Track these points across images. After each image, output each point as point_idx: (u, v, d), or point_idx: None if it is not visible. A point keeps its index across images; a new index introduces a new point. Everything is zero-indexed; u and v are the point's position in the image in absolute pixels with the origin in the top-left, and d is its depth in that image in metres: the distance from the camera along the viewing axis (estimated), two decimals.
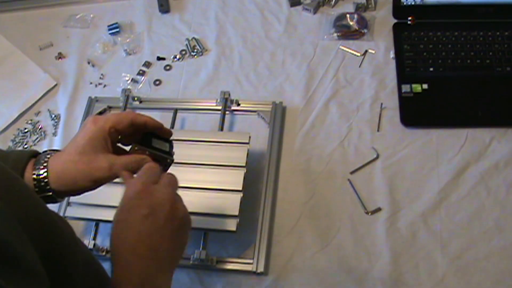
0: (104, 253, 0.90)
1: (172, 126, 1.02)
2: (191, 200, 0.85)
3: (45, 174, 0.61)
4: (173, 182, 0.61)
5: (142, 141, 0.66)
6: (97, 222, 0.91)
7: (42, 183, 0.61)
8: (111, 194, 0.88)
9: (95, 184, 0.63)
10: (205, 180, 0.88)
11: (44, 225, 0.49)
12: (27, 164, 0.61)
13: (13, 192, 0.47)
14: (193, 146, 0.93)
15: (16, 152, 0.63)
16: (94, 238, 0.90)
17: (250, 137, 0.92)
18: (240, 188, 0.87)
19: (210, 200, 0.87)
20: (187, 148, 0.92)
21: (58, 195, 0.63)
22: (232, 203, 0.86)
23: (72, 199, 0.91)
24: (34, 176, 0.61)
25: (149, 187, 0.58)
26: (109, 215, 0.87)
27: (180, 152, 0.90)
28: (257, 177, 0.95)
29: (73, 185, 0.62)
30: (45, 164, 0.61)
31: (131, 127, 0.65)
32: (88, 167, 0.61)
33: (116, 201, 0.87)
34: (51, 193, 0.61)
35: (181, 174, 0.84)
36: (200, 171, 0.90)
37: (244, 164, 0.89)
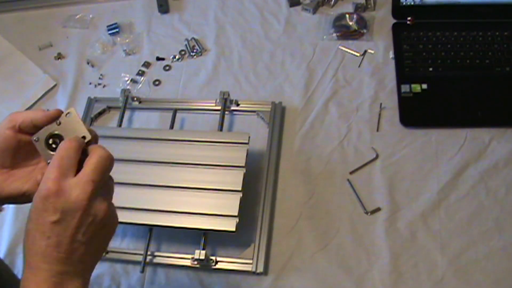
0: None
1: (172, 126, 1.02)
2: (190, 201, 0.86)
3: None
4: (96, 172, 0.53)
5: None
6: None
7: None
8: (114, 195, 0.89)
9: (3, 128, 0.58)
10: (204, 180, 0.88)
11: None
12: None
13: None
14: (193, 146, 0.93)
15: None
16: None
17: (249, 137, 0.92)
18: (240, 188, 0.87)
19: (209, 200, 0.87)
20: (187, 148, 0.92)
21: None
22: (231, 203, 0.86)
23: None
24: None
25: (59, 186, 0.51)
26: None
27: (179, 152, 0.91)
28: (257, 177, 0.95)
29: None
30: None
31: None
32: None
33: (115, 202, 0.87)
34: None
35: (180, 175, 0.85)
36: (199, 171, 0.90)
37: (243, 164, 0.89)
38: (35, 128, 0.58)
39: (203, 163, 0.90)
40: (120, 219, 0.85)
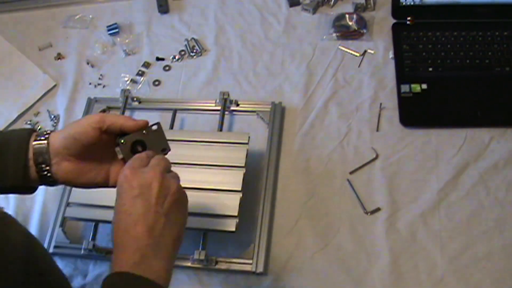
0: (104, 254, 0.90)
1: (172, 126, 1.02)
2: (190, 200, 0.85)
3: (46, 140, 0.65)
4: (162, 162, 0.63)
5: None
6: (97, 222, 0.91)
7: (42, 149, 0.65)
8: (110, 195, 0.89)
9: (91, 125, 0.65)
10: (204, 181, 0.88)
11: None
12: (30, 136, 0.66)
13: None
14: (192, 146, 0.93)
15: (16, 131, 0.67)
16: (94, 239, 0.90)
17: (249, 137, 0.92)
18: (240, 188, 0.87)
19: (209, 200, 0.87)
20: (186, 149, 0.92)
21: (56, 169, 0.66)
22: (231, 203, 0.86)
23: (71, 199, 0.91)
24: (35, 142, 0.65)
25: (136, 170, 0.61)
26: (109, 215, 0.87)
27: (179, 152, 0.91)
28: (257, 177, 0.95)
29: (72, 131, 0.66)
30: (48, 133, 0.66)
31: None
32: (83, 125, 0.66)
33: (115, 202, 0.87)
34: (47, 168, 0.65)
35: (180, 174, 0.84)
36: (199, 172, 0.90)
37: (243, 165, 0.89)
38: (120, 132, 0.67)
39: (203, 163, 0.90)
40: None
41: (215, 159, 0.91)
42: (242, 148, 0.91)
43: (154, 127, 0.68)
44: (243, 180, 0.88)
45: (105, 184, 0.69)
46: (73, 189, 0.92)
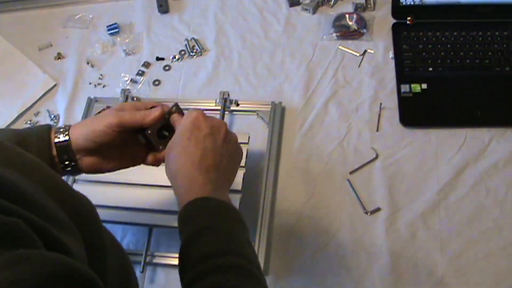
0: None
1: None
2: None
3: (67, 137, 0.67)
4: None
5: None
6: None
7: (65, 146, 0.67)
8: (111, 195, 0.89)
9: (111, 128, 0.67)
10: None
11: (67, 196, 0.52)
12: (50, 133, 0.68)
13: (43, 177, 0.51)
14: None
15: (36, 128, 0.69)
16: None
17: (249, 137, 0.92)
18: (240, 188, 0.87)
19: None
20: None
21: (80, 164, 0.69)
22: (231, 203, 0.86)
23: None
24: (56, 140, 0.67)
25: (204, 115, 0.67)
26: (109, 215, 0.88)
27: None
28: (257, 177, 0.95)
29: (92, 135, 0.67)
30: (67, 129, 0.68)
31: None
32: (102, 128, 0.68)
33: (115, 202, 0.87)
34: (73, 164, 0.68)
35: None
36: None
37: (243, 165, 0.89)
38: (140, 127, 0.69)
39: None
40: (120, 219, 0.86)
41: None
42: (242, 148, 0.91)
43: (173, 109, 0.71)
44: (243, 180, 0.88)
45: (131, 165, 0.74)
46: (73, 188, 0.92)
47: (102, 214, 0.87)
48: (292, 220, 0.91)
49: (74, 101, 1.11)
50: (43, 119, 1.10)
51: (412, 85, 1.02)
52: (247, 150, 0.91)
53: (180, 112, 0.72)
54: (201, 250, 0.56)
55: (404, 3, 1.09)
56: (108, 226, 0.92)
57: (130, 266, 0.69)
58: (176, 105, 0.72)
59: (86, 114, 1.07)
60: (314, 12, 1.17)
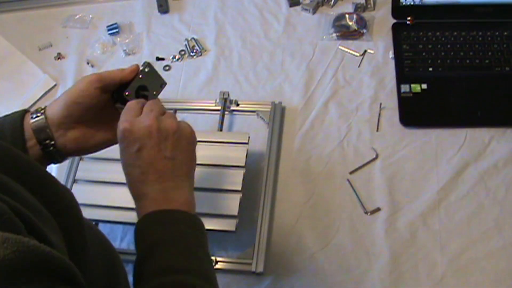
0: None
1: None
2: None
3: (42, 115, 0.64)
4: (155, 106, 0.63)
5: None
6: (97, 222, 0.91)
7: (41, 125, 0.63)
8: (110, 195, 0.89)
9: (91, 85, 0.64)
10: (204, 180, 0.88)
11: (47, 187, 0.51)
12: (23, 117, 0.64)
13: (18, 167, 0.49)
14: None
15: (8, 116, 0.65)
16: None
17: (249, 137, 0.92)
18: (240, 188, 0.87)
19: (209, 200, 0.87)
20: None
21: (61, 147, 0.65)
22: (231, 203, 0.86)
23: None
24: (32, 121, 0.63)
25: (130, 123, 0.60)
26: (108, 215, 0.88)
27: None
28: (257, 177, 0.95)
29: (73, 97, 0.64)
30: (42, 108, 0.65)
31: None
32: (83, 87, 0.64)
33: (115, 202, 0.87)
34: (52, 143, 0.64)
35: None
36: (199, 171, 0.89)
37: (243, 164, 0.89)
38: (119, 85, 0.66)
39: (203, 163, 0.90)
40: (120, 219, 0.86)
41: (215, 159, 0.91)
42: (242, 148, 0.91)
43: (147, 69, 0.69)
44: (243, 180, 0.88)
45: (115, 141, 0.68)
46: (73, 189, 0.92)
47: (102, 214, 0.88)
48: (292, 220, 0.91)
49: None
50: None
51: (412, 85, 1.02)
52: (247, 150, 0.91)
53: (153, 71, 0.70)
54: (159, 263, 0.55)
55: (404, 3, 1.09)
56: (108, 226, 0.93)
57: (120, 264, 0.69)
58: (149, 64, 0.70)
59: None
60: (314, 12, 1.17)
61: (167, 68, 1.14)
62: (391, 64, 1.07)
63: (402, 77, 1.04)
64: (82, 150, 0.68)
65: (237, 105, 1.04)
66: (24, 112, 0.65)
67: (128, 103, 0.64)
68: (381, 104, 1.02)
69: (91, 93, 0.64)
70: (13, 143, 0.62)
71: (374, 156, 0.96)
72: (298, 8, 1.18)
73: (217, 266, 0.87)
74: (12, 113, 0.65)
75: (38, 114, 0.64)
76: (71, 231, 0.50)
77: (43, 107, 0.65)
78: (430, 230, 0.88)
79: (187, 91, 1.10)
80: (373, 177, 0.94)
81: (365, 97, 1.03)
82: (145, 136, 0.59)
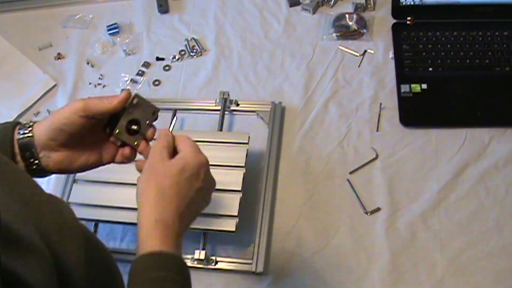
0: None
1: (171, 126, 1.02)
2: None
3: (30, 133, 0.63)
4: (161, 146, 0.64)
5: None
6: (97, 222, 0.91)
7: (27, 143, 0.63)
8: (111, 195, 0.89)
9: (76, 113, 0.63)
10: None
11: (41, 204, 0.51)
12: (14, 130, 0.64)
13: (6, 176, 0.49)
14: None
15: (2, 124, 0.65)
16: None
17: (249, 137, 0.92)
18: (240, 188, 0.87)
19: None
20: None
21: (44, 167, 0.65)
22: (231, 203, 0.86)
23: (71, 199, 0.91)
24: (18, 136, 0.63)
25: (148, 175, 0.63)
26: (108, 215, 0.88)
27: None
28: (256, 177, 0.95)
29: (58, 123, 0.63)
30: (31, 125, 0.64)
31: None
32: (68, 115, 0.63)
33: (115, 202, 0.87)
34: (36, 162, 0.64)
35: None
36: None
37: (243, 164, 0.89)
38: (110, 116, 0.66)
39: None
40: (120, 219, 0.86)
41: (215, 159, 0.90)
42: (242, 148, 0.91)
43: (135, 100, 0.67)
44: (243, 180, 0.88)
45: (99, 164, 0.69)
46: (73, 189, 0.92)
47: (102, 214, 0.88)
48: (291, 220, 0.91)
49: None
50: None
51: (412, 85, 1.02)
52: (247, 150, 0.91)
53: (143, 102, 0.67)
54: None
55: (404, 3, 1.09)
56: (108, 226, 0.93)
57: (116, 270, 0.68)
58: (137, 96, 0.67)
59: None
60: (314, 12, 1.17)
61: (167, 68, 1.14)
62: (391, 64, 1.06)
63: (402, 77, 1.04)
64: (65, 171, 0.67)
65: (237, 105, 1.04)
66: (16, 124, 0.65)
67: (159, 142, 0.65)
68: (381, 104, 1.02)
69: (75, 121, 0.63)
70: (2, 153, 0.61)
71: (374, 156, 0.96)
72: (298, 8, 1.18)
73: (217, 266, 0.87)
74: (4, 123, 0.65)
75: (26, 131, 0.63)
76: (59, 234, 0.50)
77: (31, 123, 0.65)
78: (430, 230, 0.88)
79: (187, 91, 1.10)
80: (373, 177, 0.94)
81: (365, 97, 1.03)
82: (195, 170, 0.64)
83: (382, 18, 1.13)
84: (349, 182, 0.94)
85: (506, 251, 0.85)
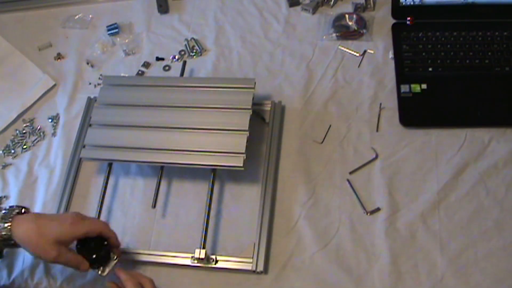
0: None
1: (182, 74, 1.08)
2: (199, 140, 0.92)
3: (9, 227, 0.74)
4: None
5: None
6: (110, 162, 0.96)
7: (5, 237, 0.74)
8: (124, 136, 0.95)
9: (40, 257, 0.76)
10: (212, 122, 0.93)
11: None
12: None
13: None
14: (201, 91, 0.98)
15: None
16: (107, 179, 0.95)
17: (255, 82, 0.96)
18: (246, 128, 0.91)
19: (217, 139, 0.91)
20: (196, 93, 0.97)
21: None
22: (238, 141, 0.90)
23: (86, 141, 0.96)
24: None
25: None
26: (122, 155, 0.93)
27: (188, 97, 0.97)
28: (256, 177, 0.95)
29: (27, 248, 0.75)
30: (10, 220, 0.75)
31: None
32: (43, 247, 0.74)
33: (128, 143, 0.94)
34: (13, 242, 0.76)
35: (191, 117, 0.94)
36: (208, 114, 0.95)
37: (249, 107, 0.93)
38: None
39: (212, 106, 0.95)
40: (135, 159, 0.94)
41: (223, 102, 0.95)
42: (248, 92, 0.95)
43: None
44: (249, 120, 0.91)
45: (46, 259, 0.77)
46: (88, 132, 0.97)
47: (116, 154, 0.94)
48: (291, 220, 0.91)
49: (74, 101, 1.11)
50: (43, 119, 1.10)
51: (412, 85, 1.02)
52: (253, 94, 0.95)
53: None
54: None
55: (404, 3, 1.09)
56: (123, 166, 1.00)
57: None
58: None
59: (85, 114, 1.07)
60: (314, 12, 1.17)
61: (167, 68, 1.14)
62: (391, 64, 1.06)
63: (402, 77, 1.04)
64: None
65: None
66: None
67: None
68: (381, 104, 1.02)
69: (46, 249, 0.73)
70: None
71: (374, 156, 0.96)
72: (298, 8, 1.18)
73: (217, 265, 0.87)
74: None
75: (6, 226, 0.74)
76: None
77: (12, 215, 0.76)
78: (430, 230, 0.88)
79: None
80: (373, 177, 0.94)
81: (365, 97, 1.03)
82: None
83: (382, 18, 1.13)
84: (349, 182, 0.94)
85: (506, 251, 0.85)
